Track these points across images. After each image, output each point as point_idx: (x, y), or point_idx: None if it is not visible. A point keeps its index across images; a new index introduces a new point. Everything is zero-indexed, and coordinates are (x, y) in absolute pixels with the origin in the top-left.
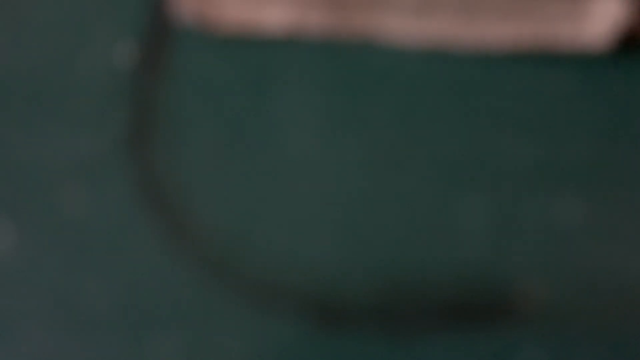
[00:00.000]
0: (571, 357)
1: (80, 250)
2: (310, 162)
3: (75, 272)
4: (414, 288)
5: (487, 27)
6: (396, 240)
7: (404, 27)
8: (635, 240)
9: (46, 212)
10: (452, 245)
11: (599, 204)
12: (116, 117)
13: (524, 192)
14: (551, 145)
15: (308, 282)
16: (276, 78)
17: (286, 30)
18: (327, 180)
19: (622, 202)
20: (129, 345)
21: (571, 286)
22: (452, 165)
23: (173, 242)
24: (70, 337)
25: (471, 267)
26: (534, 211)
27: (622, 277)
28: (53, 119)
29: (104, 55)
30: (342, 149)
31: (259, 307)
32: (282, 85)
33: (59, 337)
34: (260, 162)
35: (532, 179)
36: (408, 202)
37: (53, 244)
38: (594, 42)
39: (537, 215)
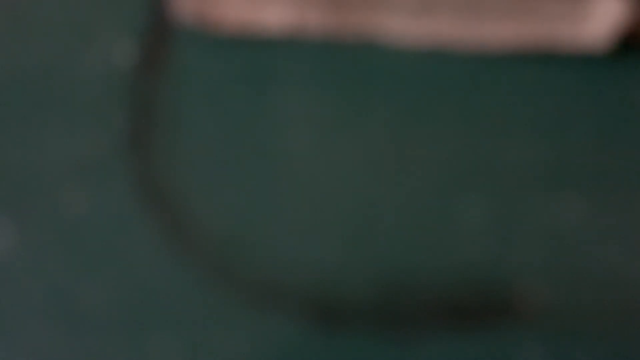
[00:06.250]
0: (571, 357)
1: (80, 250)
2: (310, 162)
3: (75, 271)
4: (414, 288)
5: (487, 27)
6: (396, 240)
7: (404, 27)
8: (635, 240)
9: (46, 212)
10: (451, 245)
11: (599, 204)
12: (116, 117)
13: (524, 192)
14: (551, 145)
15: (308, 282)
16: (276, 78)
17: (286, 30)
18: (327, 180)
19: (622, 202)
20: (129, 345)
21: (571, 286)
22: (452, 165)
23: (173, 242)
24: (70, 337)
25: (471, 267)
26: (534, 211)
27: (622, 277)
28: (53, 119)
29: (104, 55)
30: (342, 148)
31: (259, 307)
32: (282, 85)
33: (59, 337)
34: (260, 162)
35: (532, 179)
36: (408, 202)
37: (53, 244)
38: (594, 42)
39: (537, 215)
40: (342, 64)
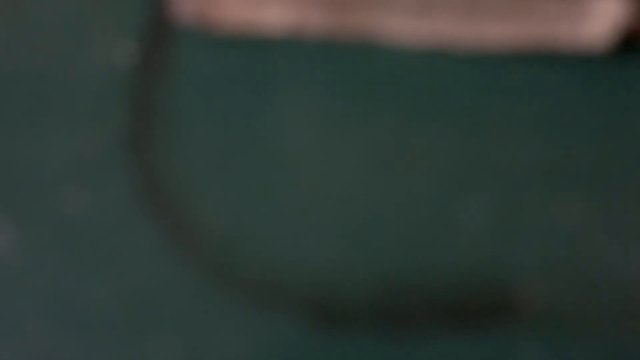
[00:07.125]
0: (571, 357)
1: (80, 250)
2: (310, 162)
3: (75, 271)
4: (414, 288)
5: (487, 27)
6: (396, 240)
7: (404, 27)
8: (635, 240)
9: (46, 212)
10: (451, 245)
11: (599, 204)
12: (116, 117)
13: (524, 192)
14: (551, 145)
15: (308, 282)
16: (276, 78)
17: (286, 30)
18: (327, 180)
19: (622, 202)
20: (129, 345)
21: (571, 286)
22: (452, 165)
23: (173, 242)
24: (70, 337)
25: (471, 267)
26: (534, 211)
27: (622, 277)
28: (53, 119)
29: (104, 55)
30: (342, 148)
31: (259, 307)
32: (282, 85)
33: (59, 337)
34: (260, 162)
35: (533, 179)
36: (408, 202)
37: (53, 244)
38: (594, 42)
39: (537, 215)
40: (342, 64)
